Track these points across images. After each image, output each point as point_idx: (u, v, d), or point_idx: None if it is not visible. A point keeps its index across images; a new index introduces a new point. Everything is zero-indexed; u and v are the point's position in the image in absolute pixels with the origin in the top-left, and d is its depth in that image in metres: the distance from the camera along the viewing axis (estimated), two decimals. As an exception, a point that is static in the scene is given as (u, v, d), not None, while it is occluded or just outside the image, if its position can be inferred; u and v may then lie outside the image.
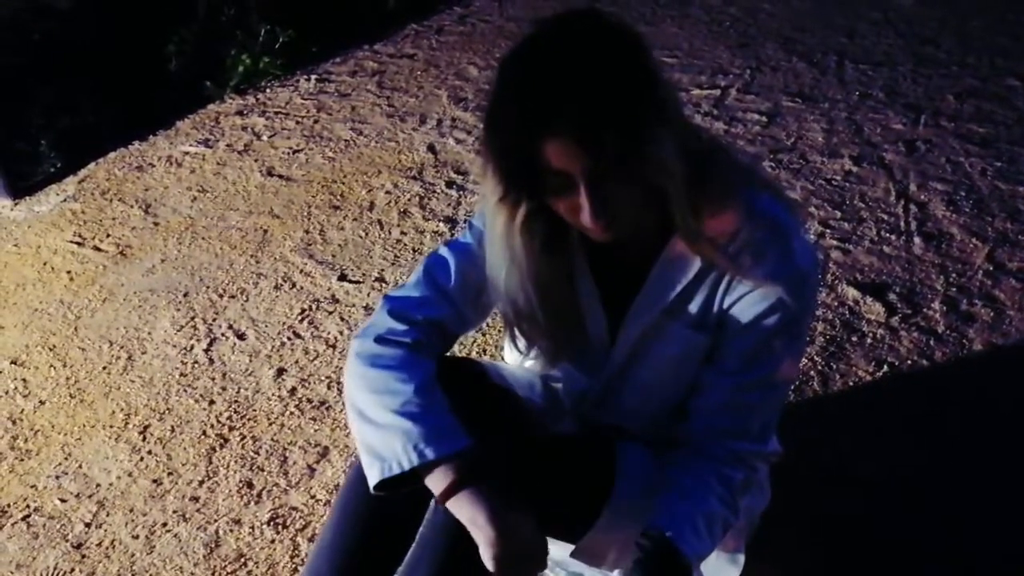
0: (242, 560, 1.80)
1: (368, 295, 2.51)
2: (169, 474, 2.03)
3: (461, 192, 2.96)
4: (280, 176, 3.23)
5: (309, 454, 2.02)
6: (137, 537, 1.89)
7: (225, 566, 1.79)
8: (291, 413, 2.15)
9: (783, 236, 1.14)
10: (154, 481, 2.02)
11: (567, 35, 1.02)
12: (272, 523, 1.87)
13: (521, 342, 1.27)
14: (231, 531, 1.87)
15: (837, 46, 3.72)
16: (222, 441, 2.10)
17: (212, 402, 2.22)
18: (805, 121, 3.15)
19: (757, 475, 1.31)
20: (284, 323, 2.46)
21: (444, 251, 1.28)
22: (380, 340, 1.21)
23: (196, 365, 2.35)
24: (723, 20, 4.13)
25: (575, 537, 1.27)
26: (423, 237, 2.75)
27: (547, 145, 1.00)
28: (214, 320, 2.51)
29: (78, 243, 2.99)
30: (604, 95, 0.98)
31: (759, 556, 1.50)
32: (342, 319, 2.44)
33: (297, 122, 3.63)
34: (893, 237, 2.46)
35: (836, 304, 2.23)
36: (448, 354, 1.32)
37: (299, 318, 2.47)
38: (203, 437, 2.12)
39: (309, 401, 2.17)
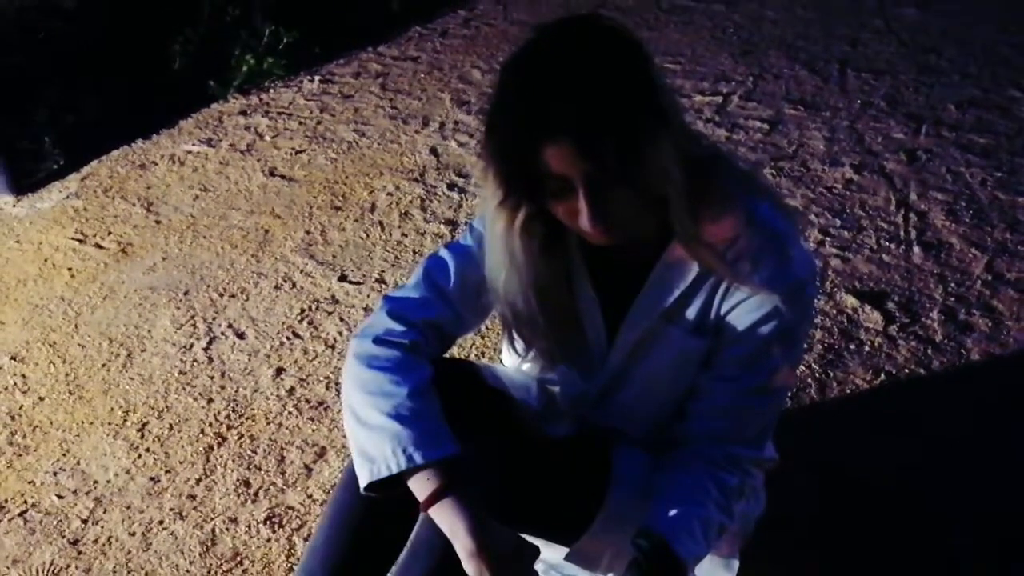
0: (238, 559, 1.80)
1: (368, 296, 2.52)
2: (167, 472, 2.04)
3: (462, 195, 2.97)
4: (282, 176, 3.24)
5: (306, 454, 2.03)
6: (134, 534, 1.89)
7: (221, 564, 1.79)
8: (289, 413, 2.15)
9: (782, 244, 1.15)
10: (151, 479, 2.02)
11: (568, 40, 1.03)
12: (268, 522, 1.87)
13: (519, 344, 1.28)
14: (227, 529, 1.87)
15: (840, 54, 3.73)
16: (220, 440, 2.10)
17: (211, 401, 2.22)
18: (807, 129, 3.15)
19: (752, 480, 1.32)
20: (284, 323, 2.46)
21: (444, 253, 1.28)
22: (378, 341, 1.21)
23: (195, 363, 2.35)
24: (726, 27, 4.13)
25: (569, 540, 1.27)
26: (424, 239, 2.75)
27: (547, 150, 1.00)
28: (214, 319, 2.52)
29: (80, 240, 3.00)
30: (604, 101, 0.98)
31: (757, 560, 1.50)
32: (342, 320, 2.44)
33: (300, 123, 3.64)
34: (892, 246, 2.47)
35: (834, 312, 2.24)
36: (445, 356, 1.33)
37: (299, 318, 2.47)
38: (201, 435, 2.12)
39: (307, 401, 2.18)
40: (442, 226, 2.80)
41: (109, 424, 2.19)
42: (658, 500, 1.21)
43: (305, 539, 1.81)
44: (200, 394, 2.25)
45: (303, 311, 2.50)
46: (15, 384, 2.37)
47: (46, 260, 2.91)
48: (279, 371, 2.29)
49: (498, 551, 1.10)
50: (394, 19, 4.55)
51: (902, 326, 2.17)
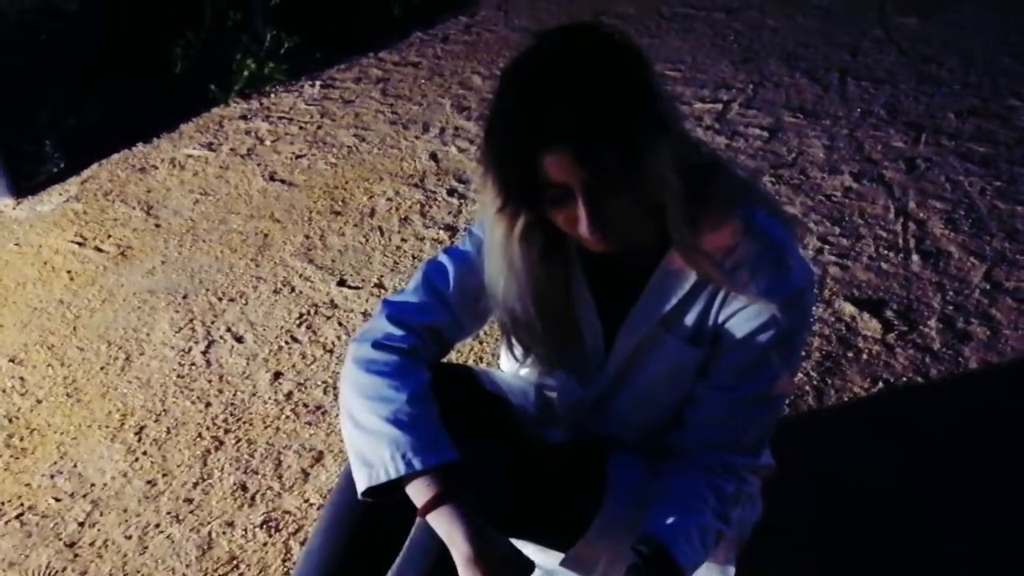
0: (234, 562, 1.80)
1: (367, 301, 2.52)
2: (163, 475, 2.03)
3: (462, 200, 2.97)
4: (282, 181, 3.25)
5: (304, 458, 2.03)
6: (130, 537, 1.89)
7: (217, 568, 1.79)
8: (287, 417, 2.15)
9: (780, 253, 1.15)
10: (148, 482, 2.02)
11: (568, 48, 1.03)
12: (265, 526, 1.87)
13: (517, 350, 1.28)
14: (224, 533, 1.87)
15: (840, 63, 3.73)
16: (217, 443, 2.10)
17: (208, 404, 2.22)
18: (806, 137, 3.16)
19: (748, 487, 1.32)
20: (282, 327, 2.46)
21: (443, 258, 1.28)
22: (377, 345, 1.21)
23: (193, 367, 2.35)
24: (727, 35, 4.14)
25: (565, 546, 1.27)
26: (423, 244, 2.76)
27: (546, 158, 1.00)
28: (212, 323, 2.52)
29: (79, 243, 3.00)
30: (603, 109, 0.98)
31: (756, 567, 1.50)
32: (340, 324, 2.44)
33: (300, 127, 3.64)
34: (891, 254, 2.47)
35: (833, 320, 2.24)
36: (443, 361, 1.33)
37: (297, 322, 2.47)
38: (198, 439, 2.12)
39: (305, 405, 2.18)
40: (441, 231, 2.81)
41: (106, 427, 2.19)
42: (656, 507, 1.20)
43: (301, 543, 1.81)
44: (198, 398, 2.25)
45: (302, 315, 2.50)
46: (13, 386, 2.37)
47: (45, 263, 2.91)
48: (277, 375, 2.29)
49: (495, 559, 1.09)
50: (395, 25, 4.56)
51: (900, 334, 2.17)
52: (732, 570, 1.43)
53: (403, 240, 2.79)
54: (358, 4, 4.57)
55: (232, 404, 2.21)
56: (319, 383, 2.24)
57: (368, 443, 1.14)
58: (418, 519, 1.17)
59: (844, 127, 3.20)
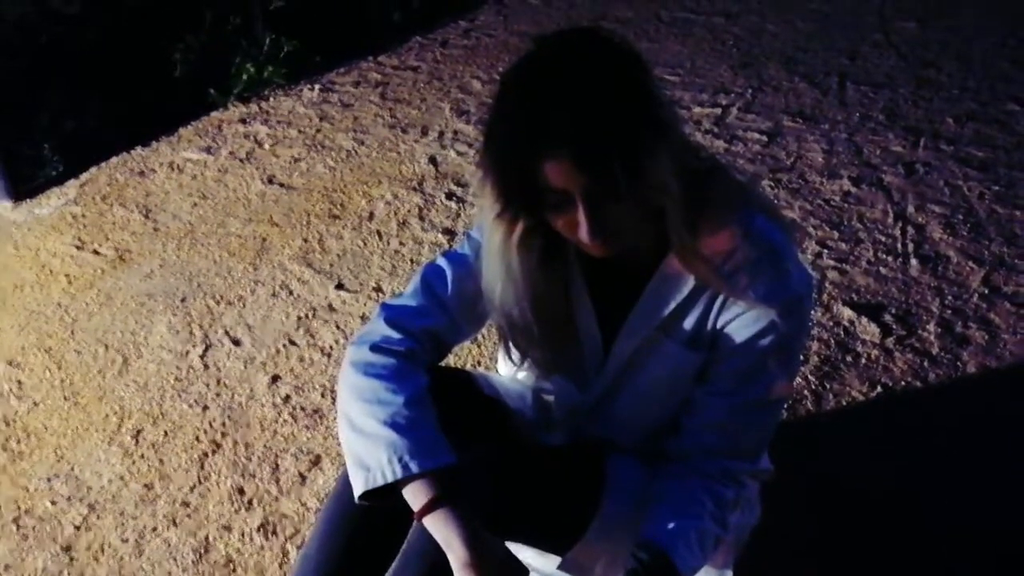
0: (231, 566, 1.79)
1: (365, 305, 2.52)
2: (161, 479, 2.03)
3: (461, 204, 2.97)
4: (281, 184, 3.24)
5: (301, 462, 2.02)
6: (127, 541, 1.88)
7: (214, 571, 1.79)
8: (284, 421, 2.15)
9: (778, 258, 1.15)
10: (145, 485, 2.02)
11: (568, 53, 1.02)
12: (262, 530, 1.86)
13: (515, 354, 1.27)
14: (221, 537, 1.86)
15: (839, 67, 3.74)
16: (215, 447, 2.10)
17: (206, 408, 2.22)
18: (805, 141, 3.16)
19: (747, 491, 1.32)
20: (280, 331, 2.46)
21: (442, 261, 1.28)
22: (375, 348, 1.21)
23: (191, 370, 2.35)
24: (726, 39, 4.15)
25: (563, 549, 1.27)
26: (421, 248, 2.75)
27: (546, 164, 1.00)
28: (210, 326, 2.51)
29: (77, 247, 3.00)
30: (604, 115, 0.98)
31: (754, 571, 1.49)
32: (338, 328, 2.44)
33: (299, 131, 3.64)
34: (890, 258, 2.47)
35: (831, 324, 2.24)
36: (441, 364, 1.33)
37: (295, 326, 2.47)
38: (196, 443, 2.12)
39: (303, 409, 2.18)
40: (440, 235, 2.80)
41: (104, 430, 2.19)
42: (655, 511, 1.20)
43: (298, 547, 1.80)
44: (195, 401, 2.24)
45: (300, 319, 2.50)
46: (10, 390, 2.36)
47: (43, 266, 2.91)
48: (275, 379, 2.28)
49: (492, 563, 1.09)
50: (395, 29, 4.56)
51: (899, 339, 2.17)
52: (730, 574, 1.43)
53: (401, 244, 2.79)
54: (357, 8, 4.58)
55: (229, 408, 2.21)
56: (317, 387, 2.24)
57: (365, 446, 1.14)
58: (415, 523, 1.16)
59: (843, 131, 3.20)
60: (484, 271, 1.19)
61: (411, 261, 2.70)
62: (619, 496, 1.27)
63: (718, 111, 3.45)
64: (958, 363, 2.08)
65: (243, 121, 3.79)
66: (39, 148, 3.57)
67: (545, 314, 1.20)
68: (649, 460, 1.31)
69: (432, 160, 3.29)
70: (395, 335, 1.22)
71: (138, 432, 2.17)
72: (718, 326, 1.19)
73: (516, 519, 1.23)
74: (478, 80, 3.95)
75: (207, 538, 1.86)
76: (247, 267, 2.77)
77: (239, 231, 2.98)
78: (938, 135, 3.11)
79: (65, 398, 2.31)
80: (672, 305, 1.19)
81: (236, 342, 2.44)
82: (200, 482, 2.01)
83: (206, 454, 2.08)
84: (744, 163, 3.04)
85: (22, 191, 3.40)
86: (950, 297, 2.29)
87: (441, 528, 1.09)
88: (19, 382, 2.39)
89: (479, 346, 2.28)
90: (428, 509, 1.10)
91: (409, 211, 2.96)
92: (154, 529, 1.90)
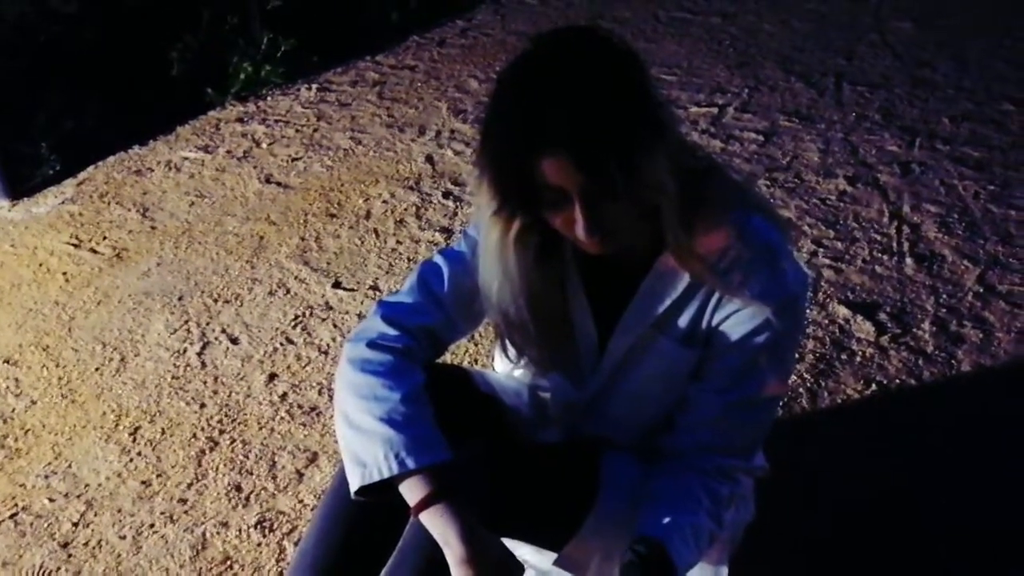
0: (228, 562, 1.80)
1: (362, 303, 2.52)
2: (158, 476, 2.03)
3: (458, 203, 2.98)
4: (278, 183, 3.25)
5: (298, 459, 2.03)
6: (124, 537, 1.89)
7: (211, 568, 1.79)
8: (281, 418, 2.15)
9: (773, 257, 1.15)
10: (143, 482, 2.02)
11: (565, 52, 1.03)
12: (259, 526, 1.87)
13: (511, 351, 1.28)
14: (218, 533, 1.87)
15: (835, 67, 3.75)
16: (212, 444, 2.10)
17: (203, 405, 2.22)
18: (801, 141, 3.17)
19: (741, 488, 1.32)
20: (277, 329, 2.47)
21: (438, 259, 1.29)
22: (372, 345, 1.21)
23: (188, 368, 2.36)
24: (723, 39, 4.16)
25: (558, 545, 1.27)
26: (418, 247, 2.76)
27: (543, 162, 1.00)
28: (208, 324, 2.52)
29: (75, 245, 3.00)
30: (600, 113, 0.99)
31: (748, 569, 1.50)
32: (335, 326, 2.45)
33: (297, 130, 3.65)
34: (885, 257, 2.48)
35: (827, 322, 2.25)
36: (437, 361, 1.33)
37: (292, 324, 2.48)
38: (193, 440, 2.12)
39: (300, 407, 2.18)
40: (437, 234, 2.81)
41: (101, 428, 2.19)
42: (650, 507, 1.21)
43: (295, 544, 1.81)
44: (193, 399, 2.25)
45: (297, 317, 2.50)
46: (8, 387, 2.37)
47: (41, 264, 2.91)
48: (272, 376, 2.29)
49: (488, 559, 1.10)
50: (392, 28, 4.57)
51: (894, 337, 2.18)
52: (725, 570, 1.43)
53: (398, 242, 2.80)
54: (355, 8, 4.59)
55: (227, 405, 2.22)
56: (314, 384, 2.25)
57: (362, 442, 1.14)
58: (411, 519, 1.17)
59: (839, 131, 3.21)
60: (480, 268, 1.20)
61: (408, 259, 2.70)
62: (614, 493, 1.28)
63: (714, 110, 3.46)
64: (953, 361, 2.09)
65: (240, 120, 3.79)
66: (37, 147, 3.57)
67: (541, 311, 1.20)
68: (644, 457, 1.31)
69: (429, 159, 3.29)
70: (392, 332, 1.22)
71: (135, 429, 2.17)
72: (713, 323, 1.19)
73: (512, 515, 1.23)
74: (475, 79, 3.96)
75: (204, 535, 1.87)
76: (244, 265, 2.78)
77: (236, 230, 2.98)
78: (934, 135, 3.12)
79: (63, 396, 2.32)
80: (667, 302, 1.19)
81: (233, 340, 2.44)
82: (197, 479, 2.01)
83: (203, 451, 2.09)
84: (740, 162, 3.05)
85: (20, 190, 3.41)
86: (945, 296, 2.30)
87: (438, 524, 1.10)
88: (17, 380, 2.39)
89: (475, 343, 2.29)
90: (424, 505, 1.11)
91: (406, 210, 2.97)
92: (151, 526, 1.91)
